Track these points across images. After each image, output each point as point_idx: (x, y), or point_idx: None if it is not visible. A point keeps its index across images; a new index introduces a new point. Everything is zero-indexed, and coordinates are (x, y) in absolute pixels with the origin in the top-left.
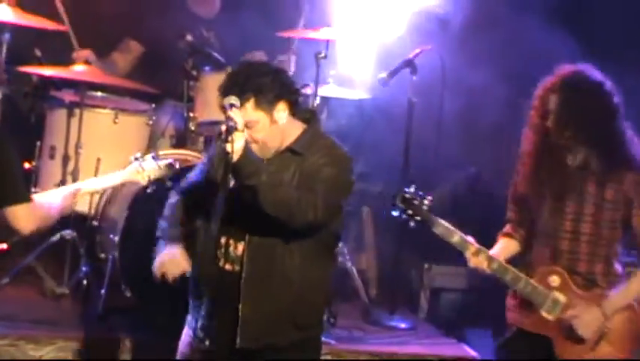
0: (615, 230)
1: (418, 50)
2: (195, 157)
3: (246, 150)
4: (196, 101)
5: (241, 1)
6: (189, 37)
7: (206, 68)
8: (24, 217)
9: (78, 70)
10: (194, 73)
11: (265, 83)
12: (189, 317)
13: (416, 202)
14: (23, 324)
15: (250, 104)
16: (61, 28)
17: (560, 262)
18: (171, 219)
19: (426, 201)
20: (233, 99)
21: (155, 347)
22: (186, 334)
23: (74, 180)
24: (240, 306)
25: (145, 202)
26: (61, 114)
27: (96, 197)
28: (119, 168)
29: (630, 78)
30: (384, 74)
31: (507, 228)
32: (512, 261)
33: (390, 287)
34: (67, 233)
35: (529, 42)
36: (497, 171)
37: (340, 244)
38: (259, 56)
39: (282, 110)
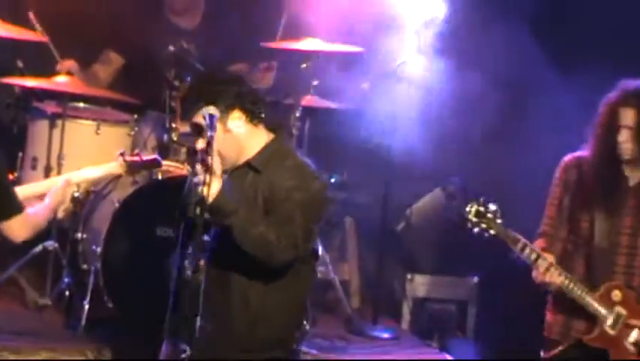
0: None
1: (402, 60)
2: (177, 168)
3: (222, 190)
4: (178, 111)
5: (222, 12)
6: (172, 48)
7: (189, 79)
8: (18, 228)
9: (60, 81)
10: (177, 84)
11: (218, 91)
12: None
13: (490, 216)
14: (5, 335)
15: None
16: (42, 39)
17: (616, 277)
18: None
19: (499, 215)
20: (212, 109)
21: (137, 357)
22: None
23: None
24: (198, 318)
25: (127, 214)
26: (43, 125)
27: (78, 208)
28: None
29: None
30: (367, 84)
31: (541, 242)
32: None
33: (373, 297)
34: (50, 244)
35: (518, 49)
36: (484, 182)
37: (321, 253)
38: (241, 67)
39: (236, 119)
